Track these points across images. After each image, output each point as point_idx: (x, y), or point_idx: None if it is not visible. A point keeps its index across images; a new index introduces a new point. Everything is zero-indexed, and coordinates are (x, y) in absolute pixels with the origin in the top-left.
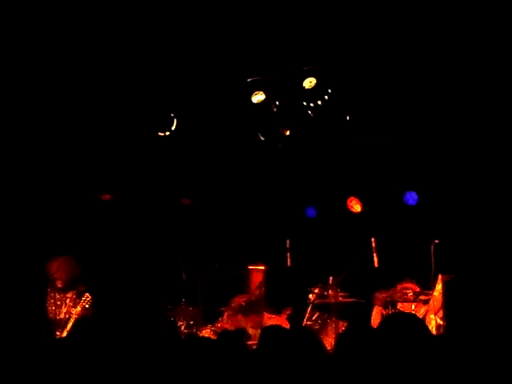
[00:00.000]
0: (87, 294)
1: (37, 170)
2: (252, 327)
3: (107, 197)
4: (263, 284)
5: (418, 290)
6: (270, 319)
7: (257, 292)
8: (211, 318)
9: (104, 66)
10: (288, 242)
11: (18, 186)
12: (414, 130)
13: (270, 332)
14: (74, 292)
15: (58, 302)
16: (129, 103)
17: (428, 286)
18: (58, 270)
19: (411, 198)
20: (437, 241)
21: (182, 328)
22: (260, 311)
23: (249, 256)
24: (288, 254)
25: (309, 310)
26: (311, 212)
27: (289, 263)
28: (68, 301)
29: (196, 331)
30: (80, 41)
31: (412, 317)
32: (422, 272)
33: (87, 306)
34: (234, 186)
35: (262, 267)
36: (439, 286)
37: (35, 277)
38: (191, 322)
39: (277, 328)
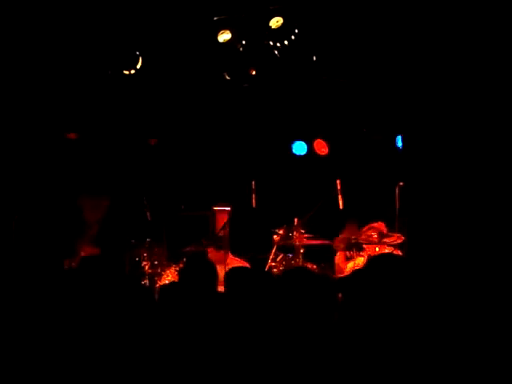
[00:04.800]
0: None
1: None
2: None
3: (73, 136)
4: (228, 225)
5: (384, 230)
6: (233, 260)
7: (221, 233)
8: (176, 258)
9: (68, 2)
10: (253, 183)
11: None
12: (381, 71)
13: (235, 274)
14: None
15: None
16: (94, 41)
17: (392, 229)
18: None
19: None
20: (401, 183)
21: (146, 268)
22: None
23: (214, 197)
24: (253, 195)
25: (273, 252)
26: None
27: (254, 204)
28: None
29: (160, 271)
30: None
31: (397, 257)
32: (387, 214)
33: None
34: (200, 126)
35: (227, 208)
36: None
37: None
38: (156, 262)
39: (241, 270)
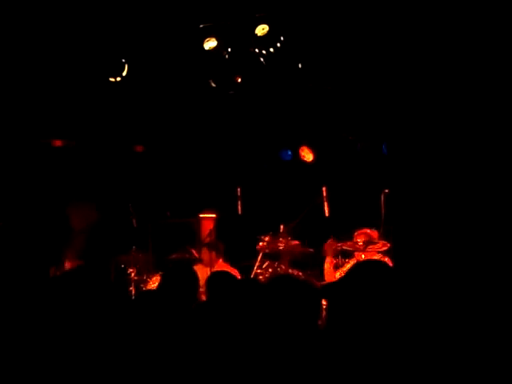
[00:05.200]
0: None
1: None
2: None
3: (59, 143)
4: (214, 232)
5: (376, 237)
6: (222, 265)
7: (207, 240)
8: (161, 265)
9: (53, 11)
10: (239, 189)
11: None
12: (367, 79)
13: (217, 279)
14: None
15: None
16: (80, 49)
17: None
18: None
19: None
20: (387, 190)
21: (132, 275)
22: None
23: (200, 204)
24: (239, 202)
25: (259, 259)
26: (286, 155)
27: (239, 211)
28: None
29: (146, 278)
30: None
31: (382, 264)
32: (372, 221)
33: None
34: (186, 133)
35: (213, 215)
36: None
37: None
38: (141, 269)
39: (224, 275)
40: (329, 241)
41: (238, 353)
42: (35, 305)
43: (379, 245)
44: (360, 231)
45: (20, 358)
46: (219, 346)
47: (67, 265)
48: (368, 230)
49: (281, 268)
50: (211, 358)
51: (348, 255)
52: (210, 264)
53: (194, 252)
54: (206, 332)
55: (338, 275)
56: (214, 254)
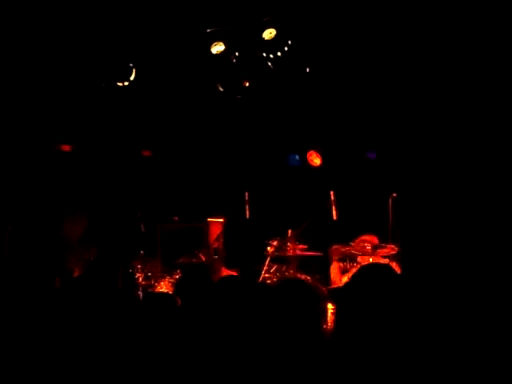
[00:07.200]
0: None
1: None
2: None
3: (67, 148)
4: (222, 236)
5: (376, 242)
6: (227, 273)
7: (215, 244)
8: (169, 270)
9: (61, 15)
10: (247, 194)
11: None
12: (374, 83)
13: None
14: None
15: None
16: (87, 53)
17: (386, 240)
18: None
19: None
20: (395, 194)
21: (140, 280)
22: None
23: (208, 208)
24: (247, 207)
25: (267, 263)
26: (294, 160)
27: (247, 216)
28: None
29: (154, 283)
30: None
31: (387, 268)
32: (380, 225)
33: None
34: (194, 138)
35: (221, 220)
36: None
37: None
38: (149, 274)
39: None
40: (334, 245)
41: (242, 356)
42: (42, 312)
43: (387, 249)
44: (357, 240)
45: (27, 365)
46: (224, 349)
47: (76, 273)
48: (366, 237)
49: (289, 272)
50: (216, 362)
51: (355, 260)
52: (215, 269)
53: (201, 256)
54: (211, 335)
55: (344, 280)
56: (218, 259)
